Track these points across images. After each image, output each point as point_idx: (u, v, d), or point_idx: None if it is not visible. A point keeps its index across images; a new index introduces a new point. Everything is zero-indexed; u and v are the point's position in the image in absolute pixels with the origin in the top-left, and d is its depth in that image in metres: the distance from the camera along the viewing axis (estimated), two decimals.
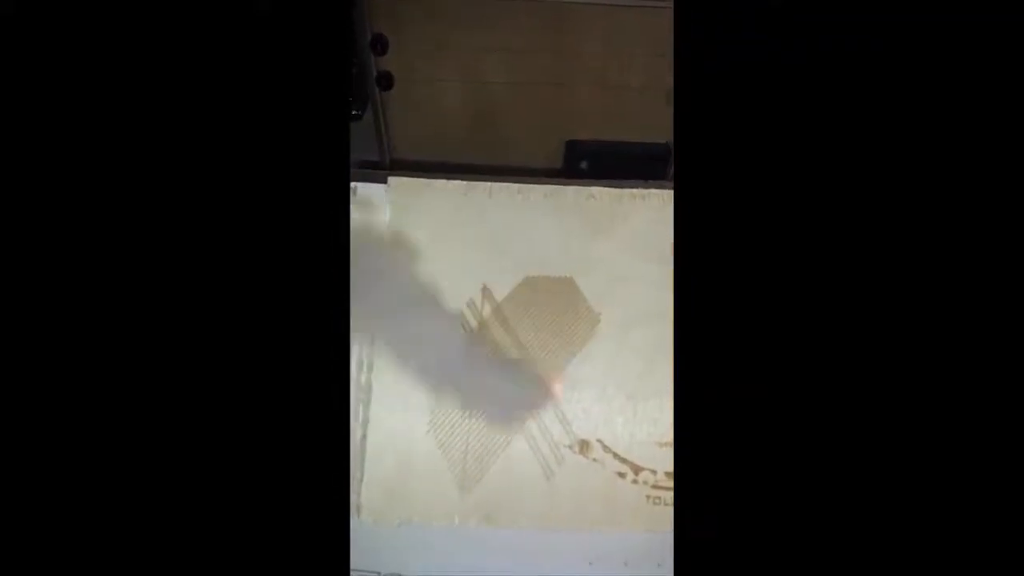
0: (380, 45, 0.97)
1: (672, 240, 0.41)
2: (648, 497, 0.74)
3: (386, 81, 1.00)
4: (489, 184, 0.79)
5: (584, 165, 0.98)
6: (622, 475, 0.74)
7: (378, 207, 0.77)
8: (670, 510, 0.73)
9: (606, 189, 0.80)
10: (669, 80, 0.85)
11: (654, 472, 0.74)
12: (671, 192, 0.79)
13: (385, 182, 0.78)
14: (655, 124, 0.92)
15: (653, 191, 0.80)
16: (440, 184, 0.78)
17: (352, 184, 0.78)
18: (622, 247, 0.79)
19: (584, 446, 0.75)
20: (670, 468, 0.73)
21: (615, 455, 0.74)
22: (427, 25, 0.97)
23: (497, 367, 0.76)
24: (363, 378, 0.74)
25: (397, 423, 0.74)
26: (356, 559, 0.69)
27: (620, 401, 0.75)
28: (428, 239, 0.77)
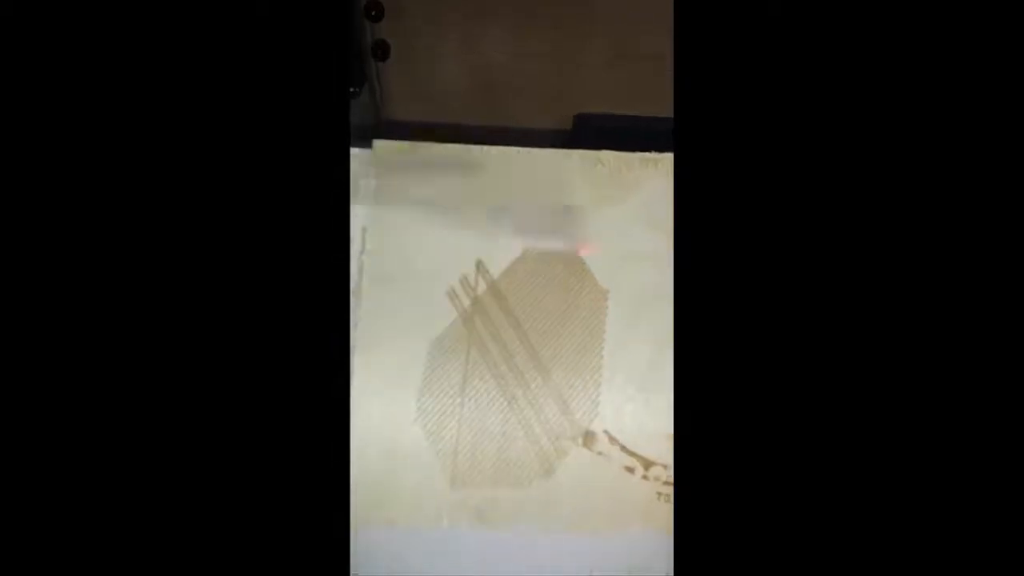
0: (375, 12, 0.91)
1: None
2: (659, 495, 0.66)
3: (382, 51, 0.94)
4: (485, 148, 0.71)
5: (595, 141, 0.92)
6: (630, 470, 0.66)
7: (361, 173, 0.71)
8: None
9: (615, 154, 0.72)
10: None
11: (666, 467, 0.66)
12: None
13: (370, 146, 0.71)
14: (671, 96, 0.86)
15: (668, 155, 0.72)
16: (430, 148, 0.71)
17: None
18: (633, 218, 0.71)
19: (588, 438, 0.67)
20: None
21: (623, 448, 0.67)
22: None
23: (492, 350, 0.68)
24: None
25: (381, 411, 0.67)
26: None
27: (629, 388, 0.68)
28: (416, 208, 0.70)
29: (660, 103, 0.85)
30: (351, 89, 0.95)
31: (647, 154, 0.72)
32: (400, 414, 0.67)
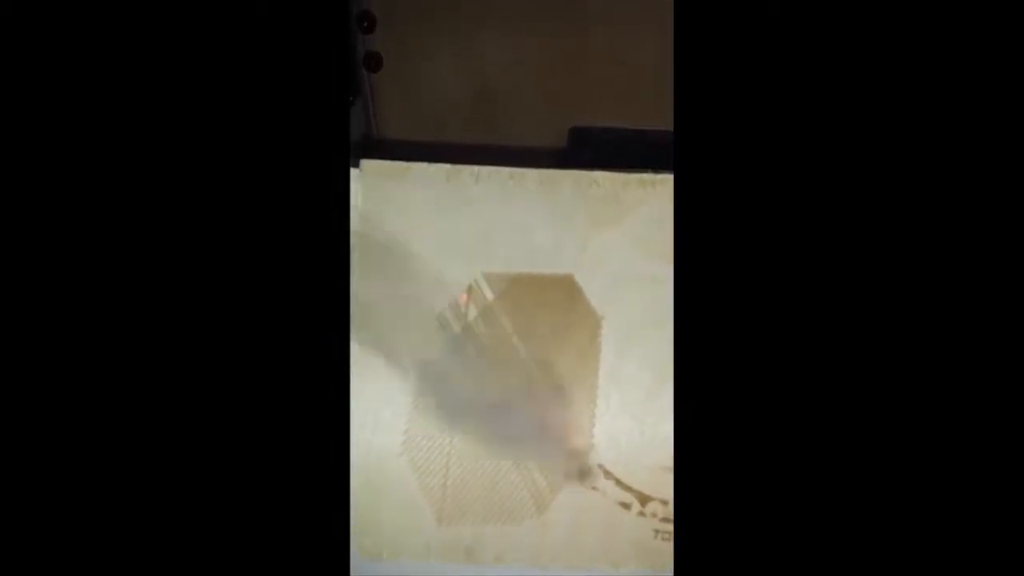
0: (367, 22, 0.89)
1: None
2: (656, 532, 0.63)
3: (374, 62, 0.92)
4: (476, 168, 0.69)
5: (591, 154, 0.90)
6: (626, 506, 0.64)
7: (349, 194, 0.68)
8: None
9: (611, 175, 0.70)
10: None
11: (664, 503, 0.63)
12: None
13: (357, 166, 0.68)
14: (670, 107, 0.84)
15: (664, 176, 0.70)
16: (420, 168, 0.69)
17: None
18: (630, 241, 0.69)
19: (583, 472, 0.64)
20: None
21: (618, 482, 0.64)
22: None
23: (483, 378, 0.66)
24: None
25: (366, 441, 0.64)
26: None
27: (625, 419, 0.65)
28: (405, 231, 0.68)
29: (662, 114, 0.83)
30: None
31: (644, 175, 0.70)
32: (386, 445, 0.64)
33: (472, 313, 0.67)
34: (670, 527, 0.63)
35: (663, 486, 0.64)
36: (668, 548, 0.63)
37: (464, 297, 0.66)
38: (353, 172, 0.69)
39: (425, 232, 0.68)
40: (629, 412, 0.65)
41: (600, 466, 0.64)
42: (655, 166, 0.72)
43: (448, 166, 0.69)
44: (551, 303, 0.67)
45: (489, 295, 0.67)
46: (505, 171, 0.69)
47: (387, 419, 0.65)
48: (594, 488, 0.64)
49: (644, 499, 0.64)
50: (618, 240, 0.69)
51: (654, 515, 0.63)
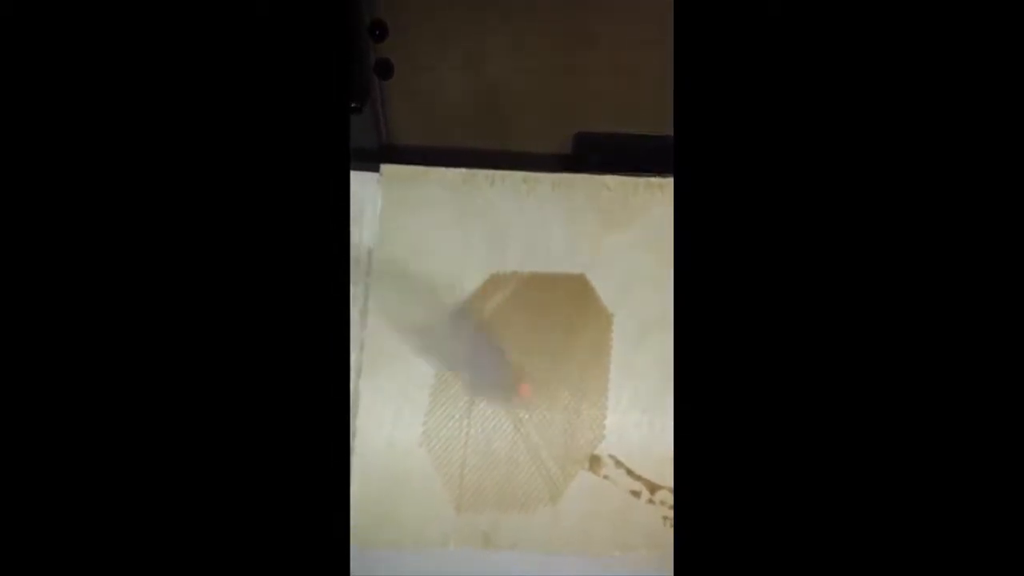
0: (379, 31, 0.92)
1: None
2: (665, 519, 0.66)
3: (385, 69, 0.94)
4: (491, 173, 0.72)
5: (596, 159, 0.92)
6: (636, 494, 0.67)
7: (368, 196, 0.71)
8: None
9: (621, 178, 0.73)
10: None
11: (672, 491, 0.66)
12: None
13: (377, 170, 0.71)
14: (671, 112, 0.86)
15: (673, 180, 0.73)
16: (437, 173, 0.72)
17: None
18: (639, 243, 0.72)
19: (595, 462, 0.67)
20: None
21: (629, 471, 0.67)
22: (428, 9, 0.92)
23: (499, 374, 0.68)
24: (351, 384, 0.68)
25: (387, 434, 0.67)
26: None
27: (635, 411, 0.68)
28: (424, 233, 0.71)
29: (664, 120, 0.86)
30: (353, 104, 0.95)
31: (653, 179, 0.73)
32: (406, 437, 0.67)
33: (488, 311, 0.70)
34: None
35: (672, 475, 0.67)
36: None
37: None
38: (374, 176, 0.71)
39: (443, 233, 0.71)
40: (639, 405, 0.68)
41: (611, 456, 0.67)
42: (658, 170, 0.75)
43: (464, 170, 0.72)
44: (564, 301, 0.70)
45: (503, 294, 0.70)
46: (519, 175, 0.72)
47: (406, 414, 0.68)
48: (606, 477, 0.67)
49: (653, 487, 0.67)
50: (628, 241, 0.72)
51: (663, 503, 0.66)
